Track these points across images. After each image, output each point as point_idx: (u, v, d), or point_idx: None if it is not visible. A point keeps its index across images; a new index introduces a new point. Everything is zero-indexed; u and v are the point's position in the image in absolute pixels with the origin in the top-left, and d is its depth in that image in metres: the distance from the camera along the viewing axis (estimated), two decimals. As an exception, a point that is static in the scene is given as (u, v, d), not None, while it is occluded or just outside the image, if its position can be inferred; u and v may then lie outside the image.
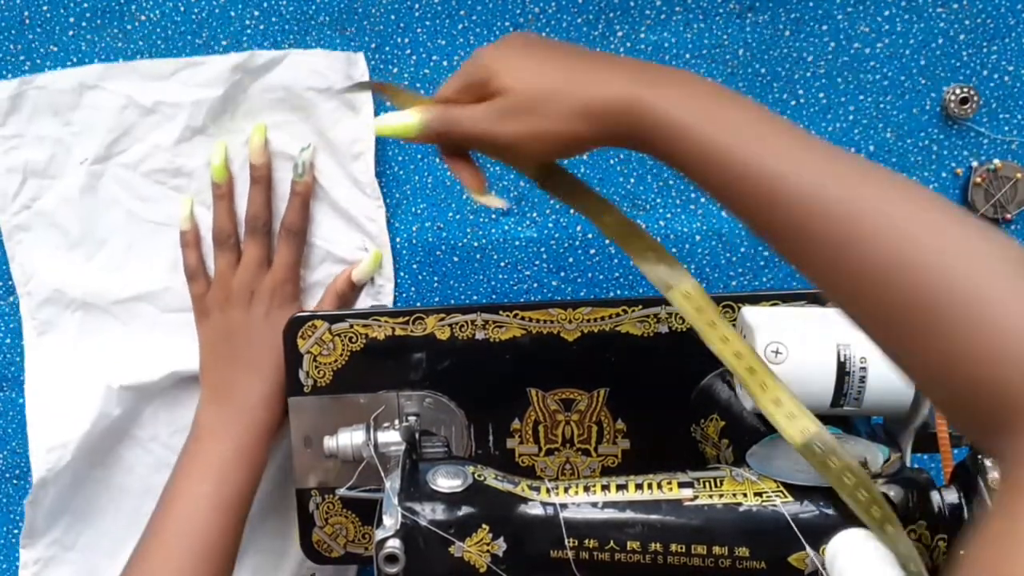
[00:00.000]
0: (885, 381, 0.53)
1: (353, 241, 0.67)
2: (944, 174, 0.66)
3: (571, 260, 0.67)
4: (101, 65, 0.65)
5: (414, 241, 0.67)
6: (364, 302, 0.68)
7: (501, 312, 0.62)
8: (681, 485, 0.52)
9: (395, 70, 0.65)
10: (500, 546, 0.51)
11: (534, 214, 0.67)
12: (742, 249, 0.67)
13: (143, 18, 0.65)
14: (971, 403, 0.33)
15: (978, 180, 0.65)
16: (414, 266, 0.68)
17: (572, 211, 0.67)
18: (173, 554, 0.59)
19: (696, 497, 0.52)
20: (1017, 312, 0.32)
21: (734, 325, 0.58)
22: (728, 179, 0.40)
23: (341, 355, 0.62)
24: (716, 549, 0.51)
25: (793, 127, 0.41)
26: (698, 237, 0.66)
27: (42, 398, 0.68)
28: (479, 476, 0.53)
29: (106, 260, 0.67)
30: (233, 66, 0.64)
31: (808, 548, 0.50)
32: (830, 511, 0.50)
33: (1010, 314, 0.32)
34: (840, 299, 0.39)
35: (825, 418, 0.52)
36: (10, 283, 0.67)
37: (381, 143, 0.66)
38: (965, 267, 0.33)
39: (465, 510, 0.51)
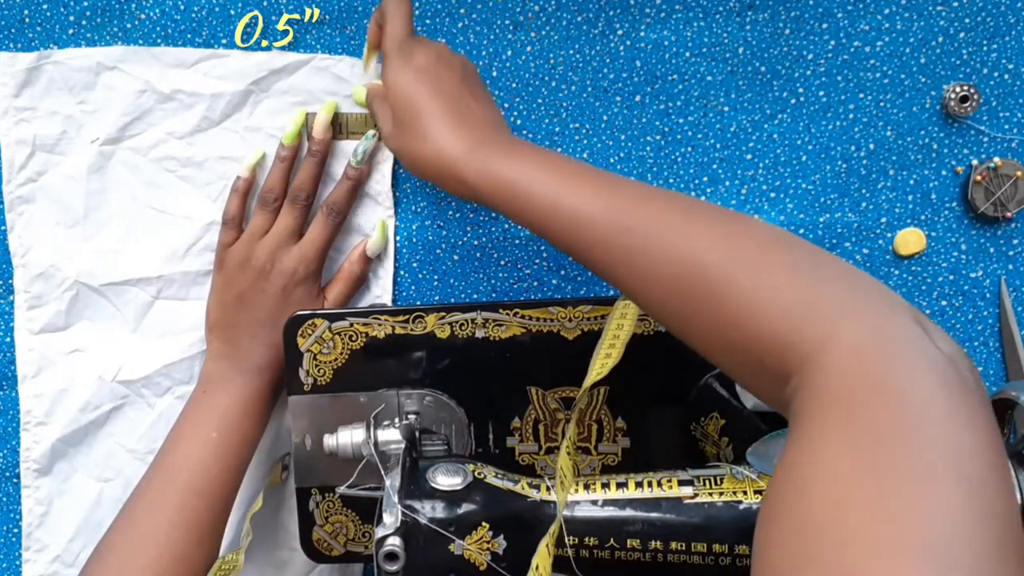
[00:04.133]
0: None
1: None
2: (944, 172, 0.66)
3: (571, 259, 0.67)
4: (121, 47, 0.65)
5: (414, 239, 0.67)
6: (364, 301, 0.68)
7: (501, 311, 0.62)
8: (681, 483, 0.53)
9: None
10: (500, 544, 0.51)
11: (534, 212, 0.67)
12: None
13: (143, 16, 0.65)
14: (753, 360, 0.41)
15: (978, 178, 0.65)
16: (414, 264, 0.68)
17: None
18: (178, 488, 0.60)
19: (696, 495, 0.52)
20: (772, 286, 0.41)
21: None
22: (544, 218, 0.50)
23: (341, 354, 0.62)
24: (716, 547, 0.51)
25: (584, 170, 0.51)
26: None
27: (30, 369, 0.68)
28: (479, 474, 0.53)
29: (104, 242, 0.67)
30: (257, 63, 0.65)
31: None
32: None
33: (772, 291, 0.41)
34: (643, 302, 0.47)
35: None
36: (10, 283, 0.67)
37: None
38: (736, 258, 0.43)
39: (465, 508, 0.51)
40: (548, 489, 0.53)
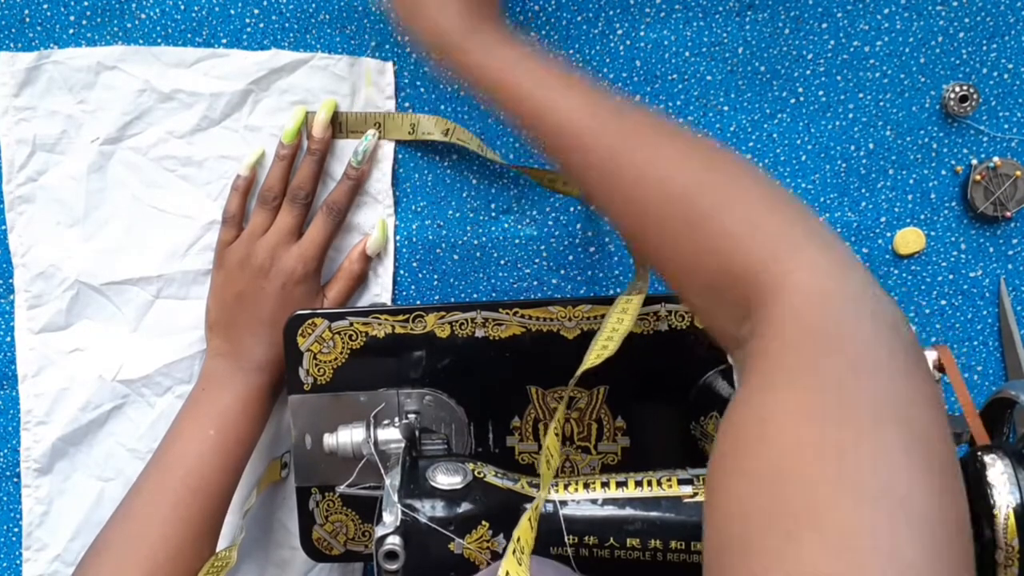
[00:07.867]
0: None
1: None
2: (943, 172, 0.66)
3: (571, 258, 0.68)
4: (121, 46, 0.65)
5: (414, 239, 0.67)
6: (364, 300, 0.68)
7: (501, 310, 0.62)
8: (681, 482, 0.53)
9: (395, 68, 0.65)
10: (500, 543, 0.51)
11: (534, 212, 0.67)
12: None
13: (143, 16, 0.65)
14: (715, 290, 0.42)
15: (977, 178, 0.65)
16: (414, 264, 0.68)
17: (571, 207, 0.67)
18: (175, 485, 0.60)
19: (696, 494, 0.52)
20: (740, 214, 0.42)
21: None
22: (529, 111, 0.51)
23: (341, 353, 0.62)
24: (716, 546, 0.51)
25: (578, 76, 0.52)
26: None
27: (30, 368, 0.68)
28: (479, 473, 0.53)
29: (104, 241, 0.67)
30: (256, 63, 0.65)
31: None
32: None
33: (741, 217, 0.42)
34: (616, 219, 0.49)
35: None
36: (11, 282, 0.68)
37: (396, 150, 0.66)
38: (705, 182, 0.44)
39: (465, 507, 0.51)
40: (549, 487, 0.53)
